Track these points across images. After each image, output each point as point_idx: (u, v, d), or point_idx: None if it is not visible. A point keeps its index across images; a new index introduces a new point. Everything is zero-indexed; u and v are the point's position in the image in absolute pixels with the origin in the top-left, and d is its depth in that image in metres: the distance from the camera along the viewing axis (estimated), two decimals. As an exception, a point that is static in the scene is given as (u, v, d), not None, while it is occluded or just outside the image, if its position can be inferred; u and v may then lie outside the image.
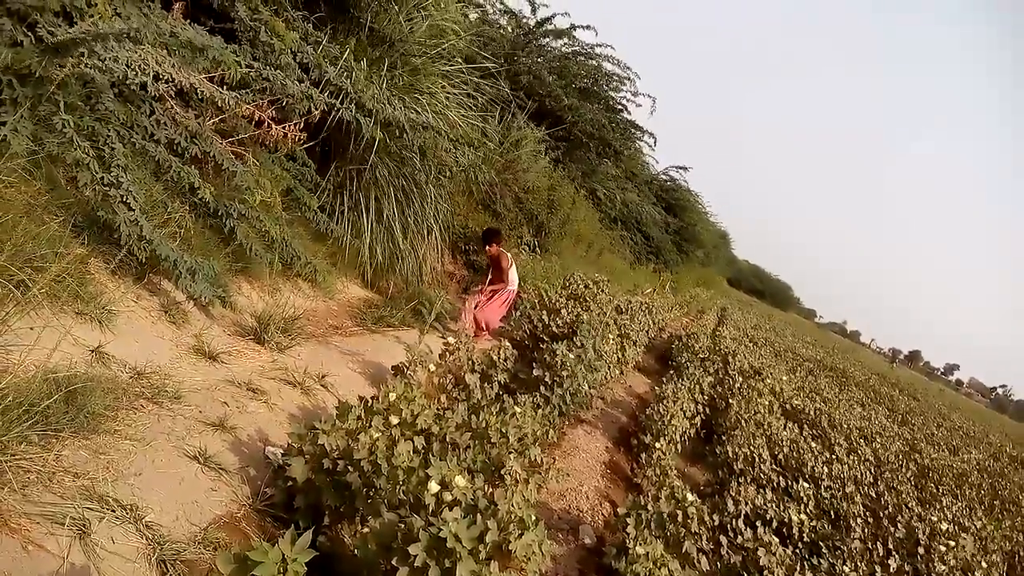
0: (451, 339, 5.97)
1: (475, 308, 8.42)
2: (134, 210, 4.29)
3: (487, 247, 8.36)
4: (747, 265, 73.69)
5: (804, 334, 38.23)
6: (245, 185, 5.50)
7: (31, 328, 3.26)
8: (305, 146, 6.60)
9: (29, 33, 4.27)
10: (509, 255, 8.57)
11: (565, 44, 16.96)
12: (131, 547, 2.69)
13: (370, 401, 4.01)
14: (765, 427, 8.46)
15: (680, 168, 27.62)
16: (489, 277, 8.59)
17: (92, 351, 3.71)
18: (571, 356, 6.50)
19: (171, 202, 5.02)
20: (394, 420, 3.79)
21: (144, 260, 4.47)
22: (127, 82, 4.51)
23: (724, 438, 8.00)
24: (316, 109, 5.98)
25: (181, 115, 5.33)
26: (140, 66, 4.38)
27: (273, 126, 5.88)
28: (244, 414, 4.08)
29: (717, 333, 16.68)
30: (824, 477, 7.35)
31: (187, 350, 4.47)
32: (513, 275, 8.56)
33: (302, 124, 6.13)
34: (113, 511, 2.76)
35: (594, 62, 17.42)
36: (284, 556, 2.01)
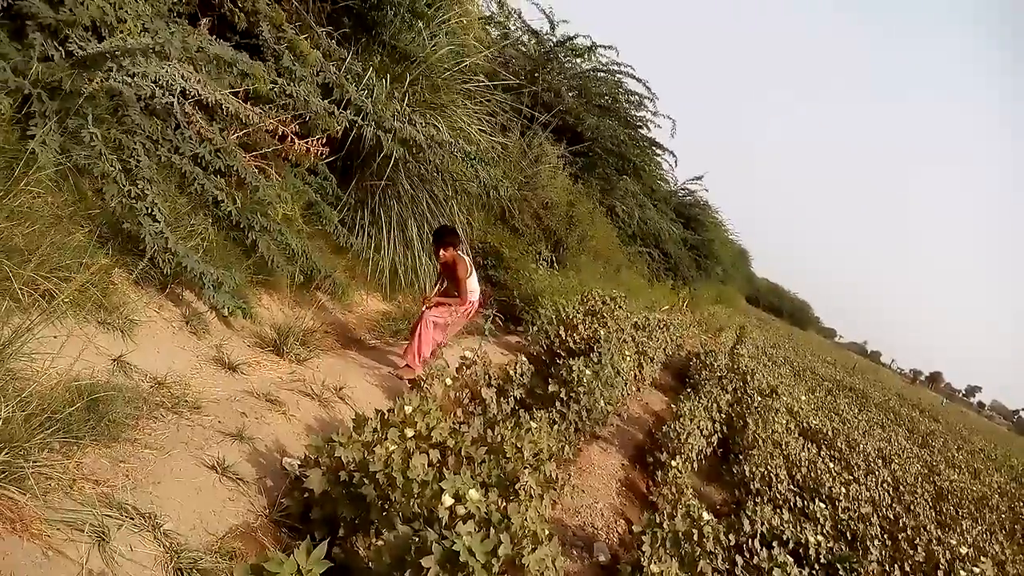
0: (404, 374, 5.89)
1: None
2: (159, 222, 4.36)
3: (439, 250, 6.36)
4: (766, 283, 73.13)
5: (823, 353, 37.93)
6: (268, 199, 5.57)
7: (55, 337, 3.31)
8: (327, 161, 6.70)
9: (60, 48, 4.38)
10: (467, 260, 6.56)
11: (586, 62, 17.04)
12: (149, 555, 2.73)
13: (386, 414, 4.04)
14: (783, 447, 8.40)
15: (697, 179, 27.50)
16: (440, 288, 6.68)
17: (114, 360, 3.77)
18: (588, 372, 6.50)
19: (195, 214, 5.10)
20: (409, 433, 3.82)
21: (168, 271, 4.53)
22: (153, 97, 4.59)
23: (741, 457, 7.95)
24: (338, 125, 6.06)
25: (206, 129, 5.42)
26: (167, 81, 4.46)
27: (296, 141, 5.97)
28: (262, 425, 4.12)
29: (735, 351, 16.59)
30: (842, 498, 7.29)
31: (207, 360, 4.54)
32: (473, 284, 6.61)
33: (324, 139, 6.22)
34: (132, 519, 2.81)
35: (615, 78, 17.47)
36: (299, 567, 2.04)
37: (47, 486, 2.65)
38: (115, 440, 3.18)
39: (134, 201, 4.32)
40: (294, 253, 5.72)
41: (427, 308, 6.28)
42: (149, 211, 4.36)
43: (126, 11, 4.74)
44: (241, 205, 5.39)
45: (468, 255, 6.76)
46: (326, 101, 6.00)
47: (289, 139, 5.99)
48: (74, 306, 3.76)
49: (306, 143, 6.13)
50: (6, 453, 2.45)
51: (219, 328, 5.02)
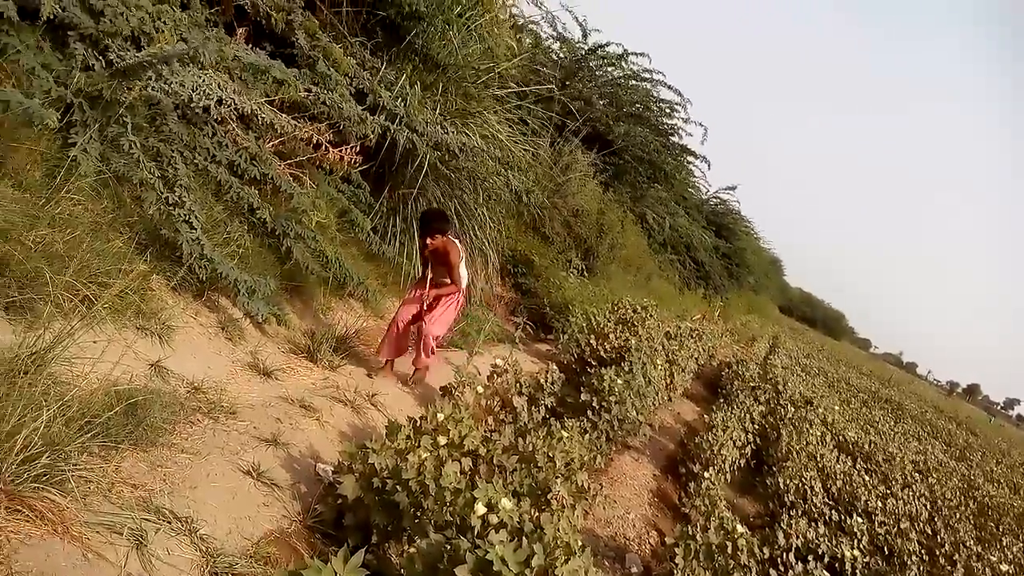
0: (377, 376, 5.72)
1: (414, 322, 5.96)
2: (196, 229, 4.42)
3: (428, 237, 5.66)
4: (799, 293, 72.47)
5: (858, 364, 37.40)
6: (302, 206, 5.62)
7: (95, 342, 3.36)
8: (360, 169, 6.75)
9: (100, 57, 4.47)
10: (459, 246, 5.93)
11: (617, 69, 17.00)
12: (185, 559, 2.75)
13: (419, 421, 4.05)
14: (817, 459, 8.28)
15: (729, 189, 27.32)
16: (430, 276, 5.92)
17: (152, 365, 3.82)
18: (619, 382, 6.46)
19: (231, 222, 5.17)
20: (442, 441, 3.82)
21: (204, 278, 4.59)
22: (191, 105, 4.66)
23: (775, 469, 7.84)
24: (371, 133, 6.10)
25: (242, 137, 5.49)
26: (204, 90, 4.52)
27: (330, 149, 6.02)
28: (296, 431, 4.15)
29: (768, 361, 16.41)
30: (878, 512, 7.16)
31: (242, 366, 4.58)
32: (463, 272, 5.98)
33: (358, 147, 6.27)
34: (169, 523, 2.84)
35: (647, 85, 17.42)
36: (336, 574, 2.05)
37: (87, 489, 2.68)
38: (153, 444, 3.22)
39: (172, 208, 4.39)
40: (328, 260, 5.76)
41: (428, 314, 5.82)
42: (186, 218, 4.42)
43: (164, 21, 4.82)
44: (276, 213, 5.45)
45: (461, 240, 6.36)
46: (360, 108, 6.04)
47: (323, 147, 6.05)
48: (113, 312, 3.82)
49: (340, 151, 6.18)
50: (48, 456, 2.48)
51: (254, 334, 5.07)
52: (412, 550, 3.11)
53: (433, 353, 5.99)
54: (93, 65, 4.42)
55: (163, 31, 4.79)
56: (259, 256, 5.40)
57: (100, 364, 3.18)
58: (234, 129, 5.52)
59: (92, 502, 2.67)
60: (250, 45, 5.75)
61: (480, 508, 3.13)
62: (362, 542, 3.33)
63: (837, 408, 12.91)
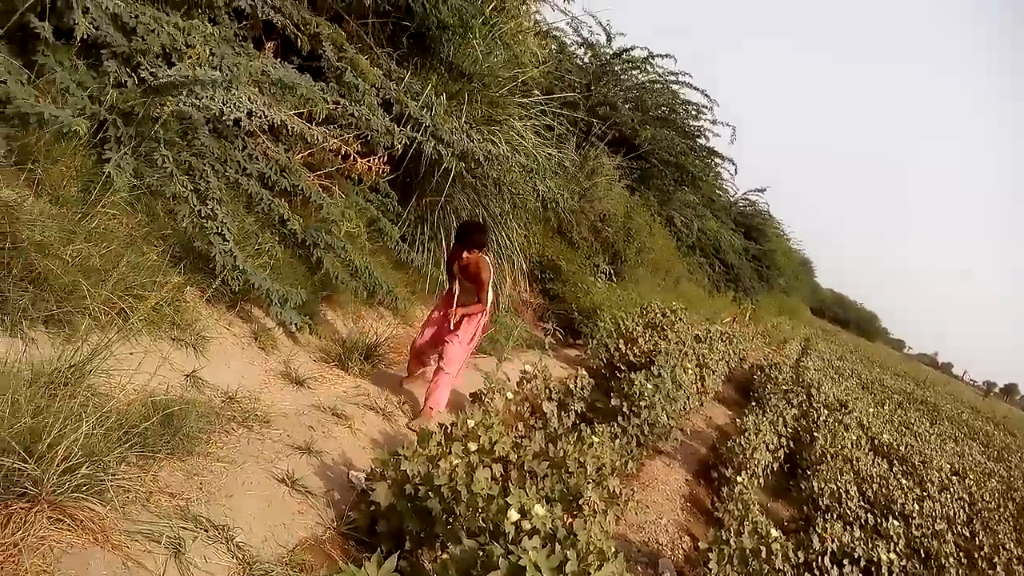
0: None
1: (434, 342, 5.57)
2: (228, 241, 4.50)
3: (466, 250, 5.24)
4: (831, 293, 71.56)
5: (892, 365, 36.87)
6: (332, 217, 5.69)
7: (131, 353, 3.43)
8: (388, 178, 6.82)
9: (133, 74, 4.56)
10: (490, 264, 5.51)
11: (642, 73, 16.93)
12: (222, 566, 2.80)
13: (449, 428, 4.08)
14: (852, 462, 8.19)
15: (758, 190, 27.07)
16: (456, 291, 5.45)
17: (187, 376, 3.90)
18: (649, 386, 6.44)
19: (262, 233, 5.25)
20: (472, 447, 3.84)
21: (237, 289, 4.67)
22: (222, 119, 4.74)
23: (809, 473, 7.76)
24: (398, 143, 6.16)
25: (272, 150, 5.57)
26: (235, 104, 4.59)
27: (358, 159, 6.09)
28: (329, 438, 4.21)
29: (801, 364, 16.24)
30: (915, 515, 7.06)
31: (275, 375, 4.65)
32: (490, 293, 5.56)
33: (386, 157, 6.33)
34: (206, 531, 2.90)
35: (674, 88, 17.32)
36: (369, 579, 2.08)
37: (126, 498, 2.74)
38: (189, 454, 3.28)
39: (204, 221, 4.47)
40: (357, 269, 5.82)
41: (452, 334, 5.36)
42: (219, 231, 4.50)
43: (194, 37, 4.90)
44: (306, 223, 5.52)
45: (490, 255, 5.77)
46: (386, 119, 6.10)
47: (352, 158, 6.11)
48: (149, 324, 3.90)
49: (368, 162, 6.25)
50: (87, 467, 2.54)
51: (286, 344, 5.13)
52: (445, 556, 3.14)
53: (436, 408, 5.27)
54: (126, 82, 4.51)
55: (194, 47, 4.87)
56: (290, 266, 5.47)
57: (137, 375, 3.25)
58: (264, 142, 5.61)
59: (131, 511, 2.73)
60: (278, 59, 5.84)
61: (513, 514, 3.14)
62: (395, 549, 3.36)
63: (871, 410, 12.75)
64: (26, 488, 2.37)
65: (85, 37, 4.19)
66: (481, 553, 2.97)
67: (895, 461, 9.63)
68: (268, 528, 3.18)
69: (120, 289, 3.70)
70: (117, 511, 2.64)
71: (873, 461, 8.75)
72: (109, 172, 4.11)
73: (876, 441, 10.32)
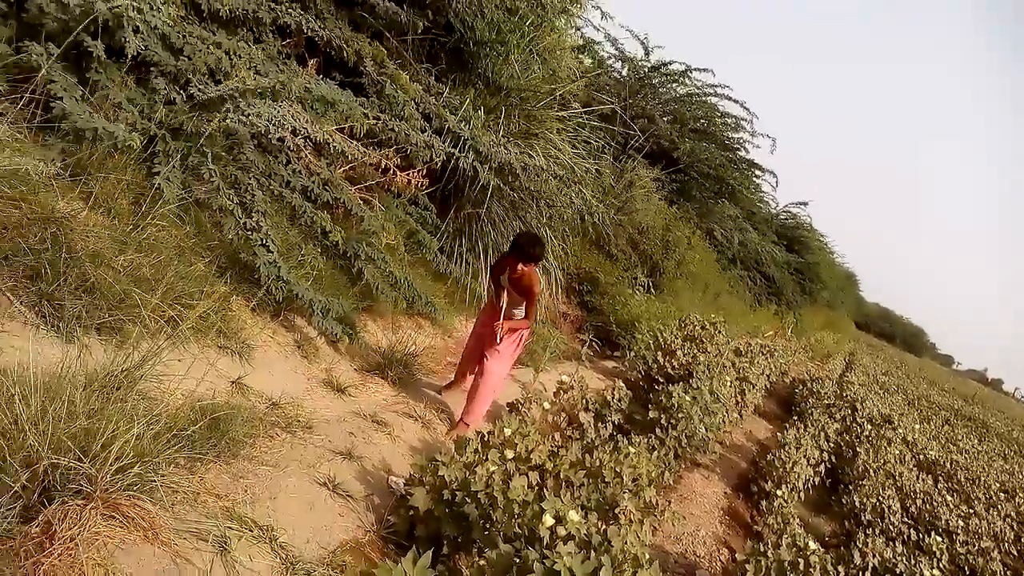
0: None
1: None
2: (272, 252, 4.63)
3: (521, 263, 5.06)
4: (876, 308, 70.37)
5: (939, 381, 36.09)
6: (372, 229, 5.80)
7: (179, 360, 3.55)
8: (427, 191, 6.93)
9: (181, 91, 4.72)
10: (541, 281, 5.56)
11: (681, 86, 16.93)
12: (267, 566, 2.89)
13: (486, 436, 4.13)
14: (895, 477, 8.07)
15: (800, 204, 26.79)
16: (504, 304, 5.30)
17: (233, 382, 4.01)
18: (687, 398, 6.43)
19: (305, 245, 5.38)
20: (509, 455, 3.89)
21: (281, 299, 4.80)
22: (267, 135, 4.88)
23: (851, 488, 7.67)
24: (437, 157, 6.26)
25: (315, 164, 5.70)
26: (279, 120, 4.73)
27: (398, 173, 6.20)
28: (369, 445, 4.30)
29: (844, 379, 16.02)
30: (959, 532, 6.94)
31: (318, 383, 4.76)
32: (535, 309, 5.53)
33: (424, 170, 6.44)
34: (250, 531, 2.98)
35: (713, 100, 17.28)
36: (406, 573, 2.14)
37: (174, 498, 2.84)
38: (235, 457, 3.38)
39: (250, 233, 4.60)
40: (397, 281, 5.92)
41: (494, 349, 5.26)
42: (263, 242, 4.62)
43: (240, 56, 5.07)
44: (347, 235, 5.64)
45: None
46: (425, 133, 6.21)
47: (391, 171, 6.22)
48: (196, 332, 4.02)
49: (407, 175, 6.35)
50: (138, 467, 2.64)
51: (328, 352, 5.24)
52: (482, 561, 3.19)
53: (472, 423, 5.21)
54: (175, 99, 4.68)
55: (239, 65, 5.03)
56: (332, 277, 5.60)
57: (185, 381, 3.37)
58: (307, 156, 5.74)
59: (179, 511, 2.83)
60: (320, 75, 5.98)
61: (548, 519, 3.18)
62: (433, 553, 3.42)
63: (916, 426, 12.53)
64: (81, 486, 2.47)
65: (136, 55, 4.36)
66: (517, 558, 3.02)
67: (940, 477, 9.47)
68: (310, 530, 3.27)
69: (169, 298, 3.83)
70: (166, 510, 2.73)
71: (917, 477, 8.61)
72: (159, 185, 4.26)
73: (921, 457, 10.15)
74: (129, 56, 4.31)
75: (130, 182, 4.31)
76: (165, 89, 4.67)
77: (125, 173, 4.28)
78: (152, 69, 4.67)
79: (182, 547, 2.68)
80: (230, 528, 2.91)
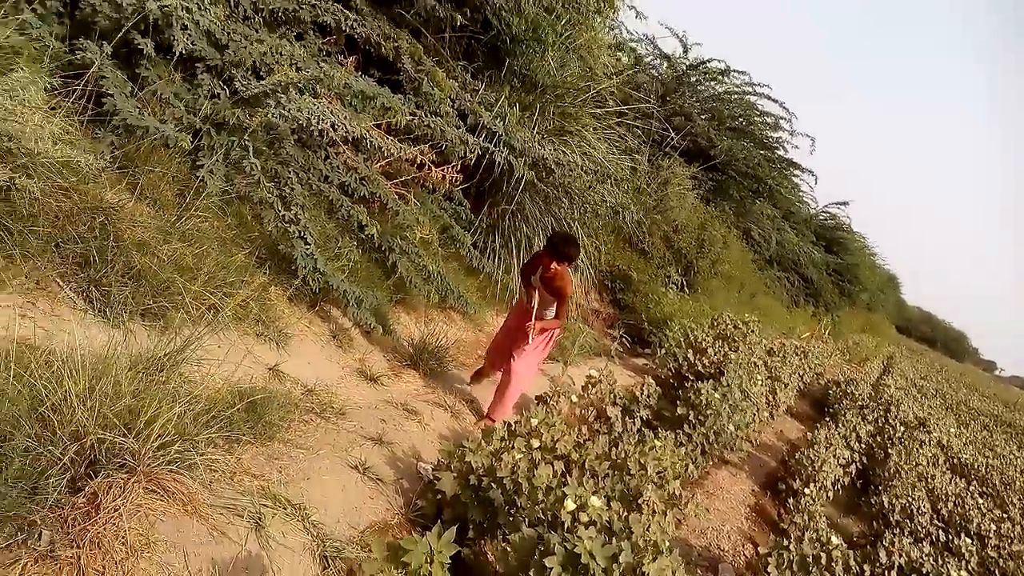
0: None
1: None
2: (310, 244, 4.77)
3: (555, 262, 4.99)
4: (917, 312, 69.08)
5: (980, 386, 35.34)
6: (407, 223, 5.93)
7: (219, 346, 3.72)
8: (461, 187, 7.04)
9: (225, 87, 4.88)
10: (573, 282, 5.56)
11: (719, 84, 16.87)
12: (298, 542, 3.02)
13: (513, 425, 4.22)
14: (927, 479, 8.01)
15: (840, 204, 26.44)
16: (535, 304, 5.26)
17: (270, 369, 4.16)
18: (716, 395, 6.45)
19: (341, 238, 5.52)
20: (535, 444, 3.98)
21: (317, 290, 4.95)
22: (307, 130, 5.02)
23: (880, 488, 7.64)
24: (472, 153, 6.37)
25: (352, 159, 5.84)
26: (319, 116, 4.87)
27: (433, 169, 6.32)
28: (400, 432, 4.42)
29: (881, 381, 15.82)
30: (991, 535, 6.88)
31: (351, 372, 4.91)
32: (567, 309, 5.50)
33: (459, 166, 6.55)
34: (284, 509, 3.12)
35: (750, 98, 17.20)
36: (431, 548, 2.25)
37: (212, 476, 2.97)
38: (270, 439, 3.52)
39: (288, 225, 4.74)
40: (430, 274, 6.03)
41: (522, 348, 5.27)
42: (301, 235, 4.77)
43: (282, 52, 5.21)
44: (383, 229, 5.76)
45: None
46: (461, 129, 6.32)
47: (427, 167, 6.35)
48: (236, 319, 4.18)
49: (442, 171, 6.48)
50: (179, 444, 2.78)
51: (362, 343, 5.38)
52: (506, 545, 3.29)
53: (497, 420, 5.19)
54: (219, 94, 4.84)
55: (281, 62, 5.18)
56: (367, 270, 5.74)
57: (224, 366, 3.53)
58: (345, 152, 5.89)
59: (217, 488, 2.96)
60: (359, 72, 6.12)
61: (570, 504, 3.27)
62: (459, 537, 3.53)
63: (953, 430, 12.36)
64: (126, 460, 2.61)
65: (183, 52, 4.52)
66: (539, 541, 3.11)
67: (975, 481, 9.35)
68: (341, 511, 3.39)
69: (210, 286, 3.99)
70: (205, 486, 2.87)
71: (950, 480, 8.53)
72: (203, 178, 4.43)
73: (955, 460, 10.04)
74: (176, 52, 4.48)
75: (175, 174, 4.49)
76: (210, 84, 4.84)
77: (170, 166, 4.46)
78: (198, 65, 4.83)
79: (219, 521, 2.81)
80: (265, 506, 3.04)
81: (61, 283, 3.51)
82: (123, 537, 2.43)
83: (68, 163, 3.56)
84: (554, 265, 5.01)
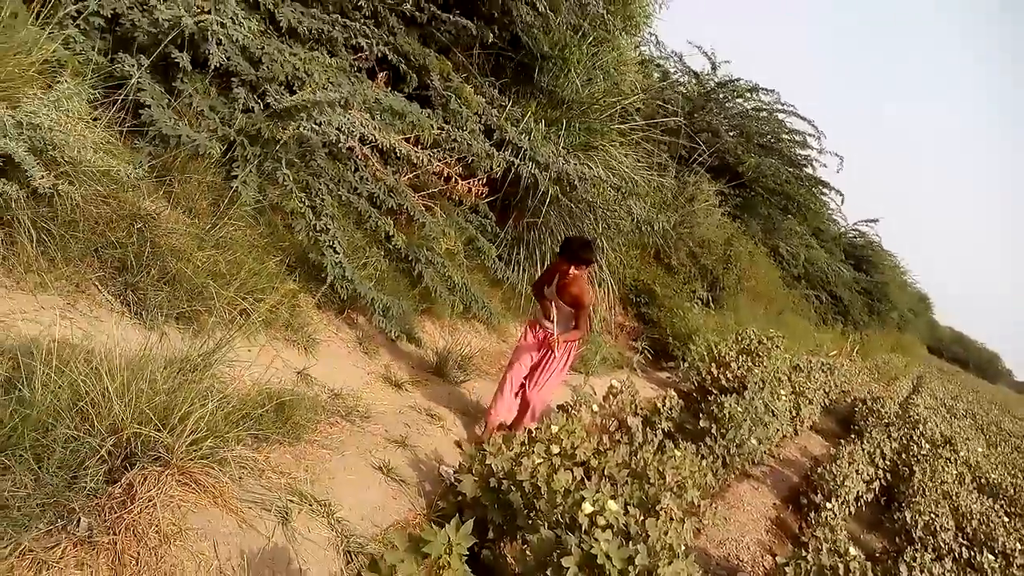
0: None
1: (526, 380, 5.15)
2: (339, 253, 4.91)
3: (573, 265, 4.80)
4: (949, 332, 68.05)
5: (1013, 408, 34.72)
6: (433, 235, 6.05)
7: (249, 349, 3.84)
8: (487, 200, 7.16)
9: (259, 100, 5.04)
10: (591, 290, 5.19)
11: (748, 101, 16.91)
12: (323, 537, 3.13)
13: (533, 431, 4.30)
14: (952, 497, 7.93)
15: (870, 221, 26.24)
16: (554, 317, 5.00)
17: (298, 372, 4.29)
18: (739, 409, 6.47)
19: (369, 248, 5.66)
20: (555, 450, 4.05)
21: (345, 297, 5.08)
22: (337, 143, 5.17)
23: (904, 505, 7.59)
24: (497, 167, 6.49)
25: (381, 172, 5.98)
26: (349, 129, 5.01)
27: (459, 181, 6.44)
28: (423, 436, 4.53)
29: (910, 401, 15.65)
30: (1017, 554, 6.81)
31: (377, 377, 5.02)
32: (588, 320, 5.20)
33: (485, 180, 6.67)
34: (310, 506, 3.23)
35: (779, 116, 17.21)
36: (450, 539, 2.34)
37: (242, 472, 3.08)
38: (298, 439, 3.64)
39: (319, 234, 4.89)
40: (455, 285, 6.14)
41: (544, 367, 5.07)
42: (331, 244, 4.91)
43: (314, 67, 5.37)
44: (409, 240, 5.90)
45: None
46: (487, 144, 6.44)
47: (453, 180, 6.47)
48: (266, 324, 4.31)
49: (468, 184, 6.60)
50: (211, 441, 2.89)
51: (387, 350, 5.50)
52: (524, 546, 3.37)
53: (535, 419, 5.12)
54: (253, 107, 5.00)
55: (314, 76, 5.34)
56: (393, 279, 5.86)
57: (254, 368, 3.65)
58: (374, 164, 6.03)
59: (246, 483, 3.08)
60: (389, 88, 6.27)
61: (587, 507, 3.33)
62: (479, 539, 3.61)
63: (981, 450, 12.21)
64: (160, 454, 2.72)
65: (218, 66, 4.69)
66: (557, 543, 3.18)
67: (1003, 500, 9.24)
68: (365, 509, 3.50)
69: (242, 292, 4.12)
70: (234, 481, 2.98)
71: (976, 499, 8.44)
72: (236, 188, 4.58)
73: (983, 480, 9.92)
74: (212, 66, 4.64)
75: (210, 184, 4.63)
76: (244, 98, 4.99)
77: (205, 176, 4.60)
78: (233, 79, 5.00)
79: (248, 515, 2.92)
80: (291, 501, 3.15)
81: (100, 286, 3.66)
82: (157, 526, 2.54)
83: (108, 171, 3.69)
84: (572, 270, 4.83)
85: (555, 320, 4.99)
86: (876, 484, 7.90)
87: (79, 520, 2.42)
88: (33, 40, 3.61)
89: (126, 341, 3.20)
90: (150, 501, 2.59)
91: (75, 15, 4.14)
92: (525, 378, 5.13)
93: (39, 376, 2.58)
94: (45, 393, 2.59)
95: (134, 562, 2.42)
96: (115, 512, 2.50)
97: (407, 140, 5.98)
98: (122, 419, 2.67)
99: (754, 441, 6.60)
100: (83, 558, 2.34)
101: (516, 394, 5.15)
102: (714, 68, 16.48)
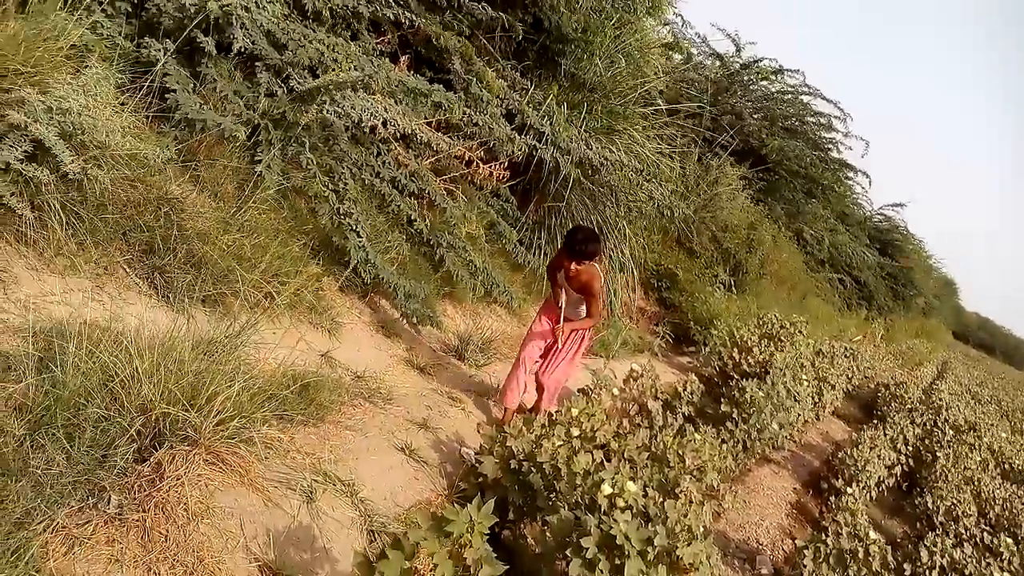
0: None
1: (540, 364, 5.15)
2: (362, 237, 4.96)
3: (576, 260, 4.62)
4: (976, 318, 67.29)
5: (1042, 395, 34.31)
6: (455, 219, 6.09)
7: (274, 332, 3.90)
8: (508, 184, 7.18)
9: (283, 84, 5.08)
10: (602, 276, 5.03)
11: (772, 84, 16.71)
12: (347, 516, 3.19)
13: (553, 414, 4.33)
14: (975, 483, 7.88)
15: (896, 205, 25.85)
16: (563, 304, 5.00)
17: (322, 355, 4.35)
18: (760, 393, 6.45)
19: (391, 232, 5.71)
20: (575, 432, 4.08)
21: (368, 281, 5.14)
22: (360, 127, 5.20)
23: (926, 491, 7.56)
24: (519, 151, 6.49)
25: (403, 156, 6.01)
26: (371, 113, 5.04)
27: (481, 166, 6.47)
28: (444, 418, 4.59)
29: (934, 387, 15.51)
30: (1040, 539, 6.76)
31: (399, 360, 5.08)
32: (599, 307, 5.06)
33: (506, 164, 6.69)
34: (334, 485, 3.30)
35: (804, 98, 17.00)
36: (472, 518, 2.38)
37: (267, 452, 3.15)
38: (321, 420, 3.70)
39: (342, 218, 4.94)
40: (476, 269, 6.18)
41: (556, 353, 5.07)
42: (354, 228, 4.95)
43: (337, 52, 5.40)
44: (431, 224, 5.93)
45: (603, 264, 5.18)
46: (509, 128, 6.44)
47: (475, 164, 6.50)
48: (290, 307, 4.38)
49: (490, 168, 6.62)
50: (237, 421, 2.95)
51: (409, 333, 5.56)
52: (544, 526, 3.40)
53: (552, 401, 5.23)
54: (276, 91, 5.03)
55: (337, 60, 5.37)
56: (415, 263, 5.91)
57: (278, 350, 3.71)
58: (396, 148, 6.06)
59: (271, 463, 3.14)
60: (411, 72, 6.28)
61: (607, 488, 3.36)
62: (500, 519, 3.65)
63: (1005, 436, 12.09)
64: (188, 433, 2.79)
65: (243, 51, 4.72)
66: (577, 524, 3.22)
67: (1027, 487, 9.16)
68: (387, 489, 3.56)
69: (267, 275, 4.18)
70: (260, 461, 3.05)
71: (1000, 485, 8.38)
72: (260, 172, 4.62)
73: (1007, 466, 9.84)
74: (236, 51, 4.68)
75: (235, 168, 4.69)
76: (268, 82, 5.03)
77: (231, 160, 4.66)
78: (257, 64, 5.03)
79: (273, 493, 2.99)
80: (316, 481, 3.21)
81: (128, 269, 3.73)
82: (185, 503, 2.61)
83: (136, 156, 3.75)
84: (574, 266, 4.66)
85: (563, 305, 4.98)
86: (898, 469, 7.86)
87: (110, 498, 2.48)
88: (61, 26, 3.66)
89: (154, 323, 3.27)
90: (178, 480, 2.65)
91: (102, 0, 4.18)
92: (541, 357, 5.13)
93: (70, 357, 2.64)
94: (76, 374, 2.66)
95: (163, 539, 2.48)
96: (144, 490, 2.57)
97: (428, 124, 6.01)
98: (151, 399, 2.73)
99: (775, 426, 6.57)
100: (113, 535, 2.41)
101: (532, 373, 5.10)
102: (738, 50, 16.30)
